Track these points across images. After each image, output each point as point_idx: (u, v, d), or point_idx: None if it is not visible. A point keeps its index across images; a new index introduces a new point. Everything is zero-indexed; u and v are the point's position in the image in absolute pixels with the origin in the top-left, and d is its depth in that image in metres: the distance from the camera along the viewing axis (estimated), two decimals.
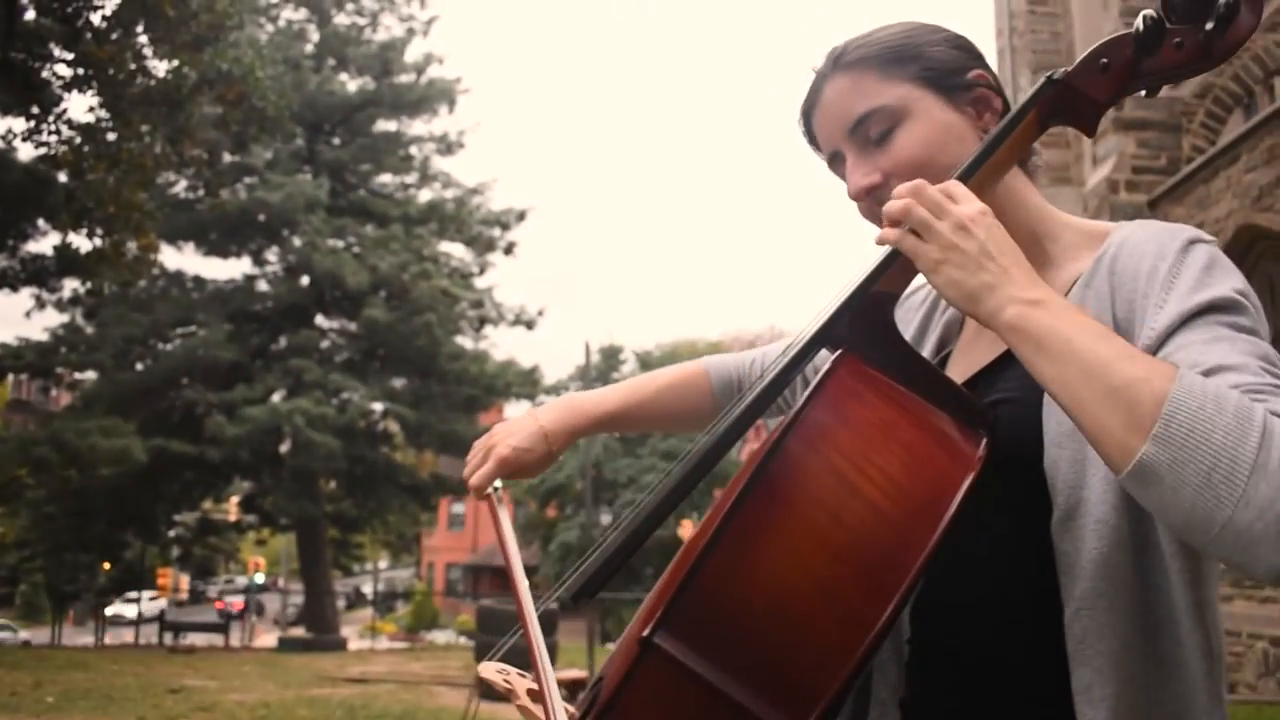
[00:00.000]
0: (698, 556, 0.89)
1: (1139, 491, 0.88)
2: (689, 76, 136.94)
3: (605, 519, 28.07)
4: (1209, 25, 1.02)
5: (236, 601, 29.71)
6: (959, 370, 1.21)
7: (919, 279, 1.11)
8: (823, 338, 1.09)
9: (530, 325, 29.02)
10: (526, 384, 29.46)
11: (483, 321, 28.80)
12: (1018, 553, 1.08)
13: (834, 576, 0.89)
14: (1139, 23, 1.04)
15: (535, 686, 1.17)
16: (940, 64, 1.19)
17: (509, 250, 29.29)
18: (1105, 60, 1.08)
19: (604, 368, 37.06)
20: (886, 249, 1.07)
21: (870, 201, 1.21)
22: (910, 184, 1.04)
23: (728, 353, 1.64)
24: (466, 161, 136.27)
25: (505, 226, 29.00)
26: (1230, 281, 1.02)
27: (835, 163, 1.26)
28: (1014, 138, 1.10)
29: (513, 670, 1.29)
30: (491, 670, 1.27)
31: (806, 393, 0.97)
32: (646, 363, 37.69)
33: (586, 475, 24.80)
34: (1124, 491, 0.99)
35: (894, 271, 1.08)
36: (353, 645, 26.06)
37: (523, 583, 1.27)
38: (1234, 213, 11.10)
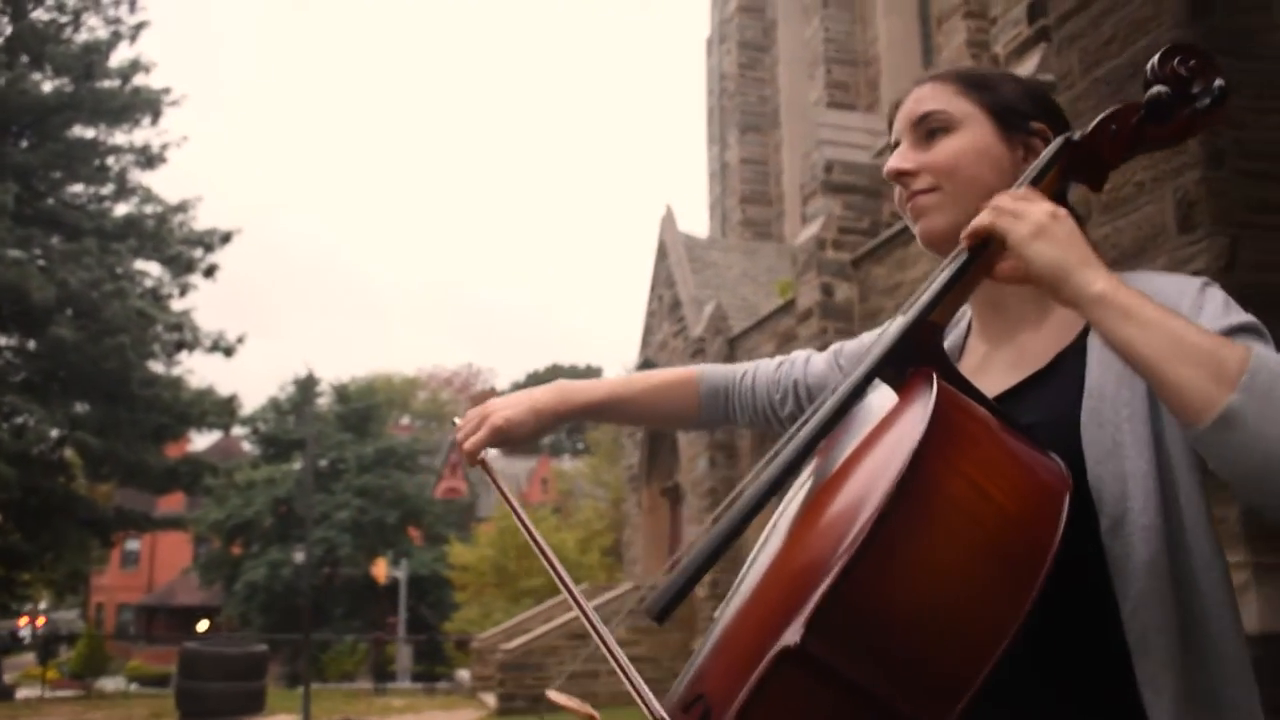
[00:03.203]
0: (851, 557, 0.91)
1: (1218, 438, 0.97)
2: (398, 105, 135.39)
3: (299, 557, 26.96)
4: (1200, 104, 1.15)
5: None
6: None
7: None
8: (892, 358, 1.13)
9: (229, 352, 27.55)
10: (223, 413, 27.98)
11: (179, 346, 27.10)
12: (1066, 560, 1.08)
13: (976, 574, 0.93)
14: (1154, 95, 1.16)
15: (595, 715, 1.19)
16: (1009, 102, 1.32)
17: (210, 273, 27.74)
18: (1114, 127, 1.19)
19: (299, 399, 35.80)
20: (946, 273, 1.17)
21: (900, 187, 1.35)
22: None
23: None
24: (170, 178, 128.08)
25: (208, 248, 27.46)
26: (1249, 315, 1.14)
27: (887, 151, 1.39)
28: (1039, 191, 1.18)
29: (574, 699, 1.28)
30: (561, 697, 1.27)
31: (928, 407, 0.99)
32: (343, 395, 36.86)
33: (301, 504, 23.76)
34: (1162, 500, 1.11)
35: (951, 297, 1.18)
36: (19, 694, 23.91)
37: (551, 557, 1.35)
38: (929, 274, 12.21)
